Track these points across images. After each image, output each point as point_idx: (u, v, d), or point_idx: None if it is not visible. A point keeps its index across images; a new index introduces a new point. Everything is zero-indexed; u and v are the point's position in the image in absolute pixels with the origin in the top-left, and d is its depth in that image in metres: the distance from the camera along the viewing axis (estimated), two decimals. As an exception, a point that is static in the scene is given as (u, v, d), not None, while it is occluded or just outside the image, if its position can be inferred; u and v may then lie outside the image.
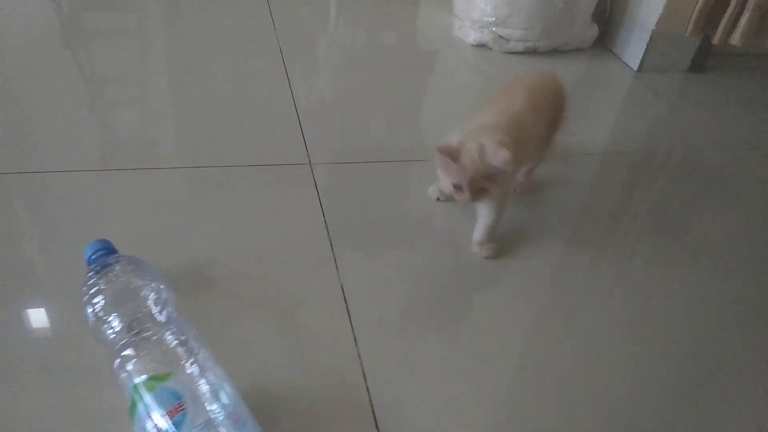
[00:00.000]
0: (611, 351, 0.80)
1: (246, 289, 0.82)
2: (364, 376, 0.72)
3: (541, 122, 0.94)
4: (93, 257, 0.73)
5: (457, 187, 0.83)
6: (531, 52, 1.62)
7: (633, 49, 1.62)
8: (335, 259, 0.88)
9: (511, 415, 0.71)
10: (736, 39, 1.47)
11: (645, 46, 1.58)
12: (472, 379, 0.74)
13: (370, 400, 0.69)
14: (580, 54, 1.68)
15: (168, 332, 0.64)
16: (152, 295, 0.68)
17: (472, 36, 1.62)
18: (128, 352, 0.62)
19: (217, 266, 0.85)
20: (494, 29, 1.59)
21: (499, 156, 0.78)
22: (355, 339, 0.76)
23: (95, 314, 0.66)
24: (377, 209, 1.00)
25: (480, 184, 0.82)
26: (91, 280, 0.69)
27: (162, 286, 0.70)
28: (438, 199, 1.02)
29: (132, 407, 0.58)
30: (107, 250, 0.74)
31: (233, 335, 0.75)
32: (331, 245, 0.90)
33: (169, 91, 1.28)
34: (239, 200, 0.98)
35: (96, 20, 1.56)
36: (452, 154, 0.81)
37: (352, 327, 0.78)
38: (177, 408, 0.57)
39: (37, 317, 0.76)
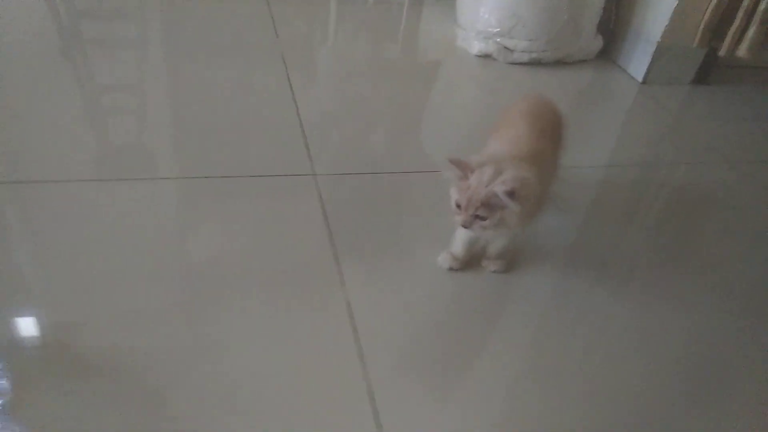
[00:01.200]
0: (613, 366, 0.79)
1: (248, 303, 0.81)
2: (371, 396, 0.70)
3: (554, 150, 0.91)
4: None
5: (459, 207, 0.79)
6: (535, 63, 1.61)
7: (638, 61, 1.61)
8: (341, 274, 0.86)
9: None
10: (742, 51, 1.46)
11: (650, 58, 1.57)
12: (477, 393, 0.72)
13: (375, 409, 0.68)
14: (584, 65, 1.67)
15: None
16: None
17: (476, 47, 1.61)
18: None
19: (215, 277, 0.83)
20: (499, 40, 1.58)
21: (504, 187, 0.73)
22: (362, 357, 0.75)
23: None
24: (381, 220, 0.99)
25: (479, 212, 0.77)
26: None
27: None
28: (450, 268, 0.91)
29: None
30: None
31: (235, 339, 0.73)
32: (336, 258, 0.89)
33: (169, 100, 1.27)
34: (240, 210, 0.97)
35: (95, 29, 1.55)
36: (463, 169, 0.77)
37: (359, 345, 0.76)
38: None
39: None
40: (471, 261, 0.92)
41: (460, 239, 0.89)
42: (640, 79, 1.60)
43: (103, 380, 0.68)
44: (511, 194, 0.74)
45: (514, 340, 0.81)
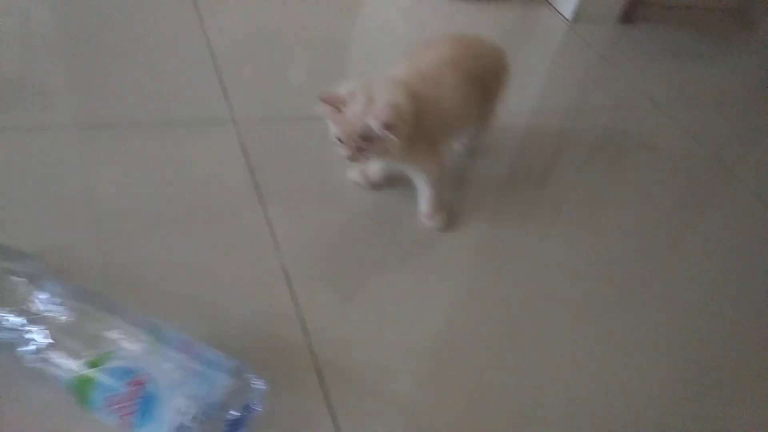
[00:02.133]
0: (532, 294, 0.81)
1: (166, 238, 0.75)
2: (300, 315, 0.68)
3: (470, 86, 0.84)
4: None
5: (340, 141, 0.75)
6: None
7: (567, -2, 1.58)
8: (266, 218, 0.82)
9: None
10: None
11: (578, -6, 1.54)
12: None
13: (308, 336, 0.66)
14: (511, 2, 1.62)
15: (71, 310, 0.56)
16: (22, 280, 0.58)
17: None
18: (42, 340, 0.54)
19: (120, 234, 0.76)
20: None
21: (378, 119, 0.71)
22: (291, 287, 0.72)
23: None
24: (311, 169, 0.94)
25: (359, 144, 0.74)
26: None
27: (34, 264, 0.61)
28: (356, 183, 0.90)
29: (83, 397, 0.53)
30: None
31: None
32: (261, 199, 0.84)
33: (59, 27, 1.11)
34: (147, 162, 0.88)
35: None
36: (335, 104, 0.73)
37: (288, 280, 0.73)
38: (139, 381, 0.52)
39: None
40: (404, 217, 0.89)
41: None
42: (569, 16, 1.57)
43: None
44: (387, 126, 0.71)
45: (444, 288, 0.81)
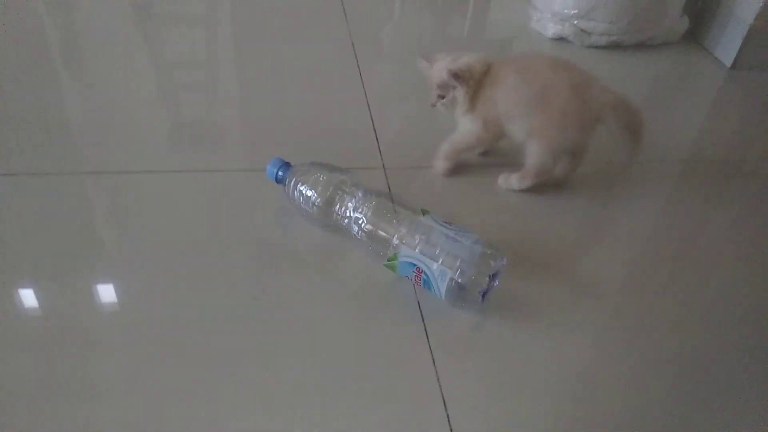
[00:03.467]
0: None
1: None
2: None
3: (573, 96, 0.93)
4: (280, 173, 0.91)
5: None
6: (614, 46, 1.54)
7: (727, 45, 1.51)
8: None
9: None
10: None
11: (741, 41, 1.47)
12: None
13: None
14: (667, 48, 1.58)
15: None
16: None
17: (551, 29, 1.56)
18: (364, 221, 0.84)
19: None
20: (576, 22, 1.52)
21: (449, 70, 0.94)
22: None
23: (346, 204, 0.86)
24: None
25: (437, 91, 0.98)
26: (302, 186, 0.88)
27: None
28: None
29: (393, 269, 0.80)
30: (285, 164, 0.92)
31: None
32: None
33: (235, 81, 1.29)
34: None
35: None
36: (429, 60, 1.00)
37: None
38: (420, 270, 0.78)
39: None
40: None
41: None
42: (728, 64, 1.50)
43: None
44: (454, 75, 0.94)
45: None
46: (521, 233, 0.96)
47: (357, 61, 1.38)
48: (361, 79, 1.32)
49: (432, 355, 0.74)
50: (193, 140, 1.12)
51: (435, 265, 0.75)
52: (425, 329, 0.78)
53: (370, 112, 1.22)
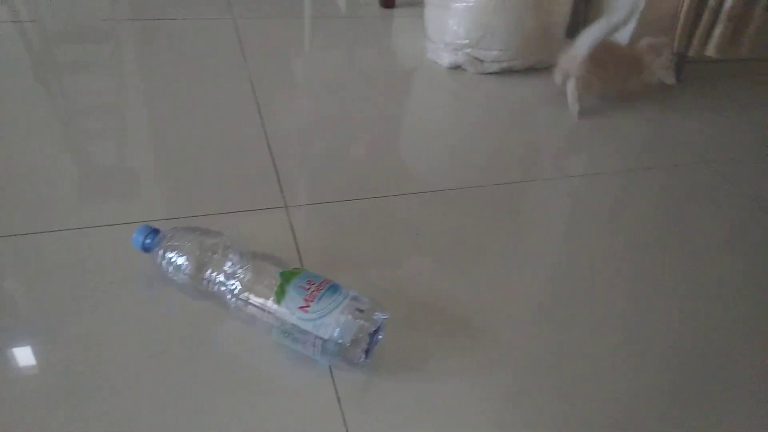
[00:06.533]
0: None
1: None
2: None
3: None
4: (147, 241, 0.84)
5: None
6: (507, 72, 1.61)
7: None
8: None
9: None
10: (710, 50, 1.47)
11: (620, 60, 1.57)
12: None
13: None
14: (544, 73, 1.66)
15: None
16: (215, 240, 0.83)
17: (446, 59, 1.61)
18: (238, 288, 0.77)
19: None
20: (468, 51, 1.58)
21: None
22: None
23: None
24: (363, 246, 0.98)
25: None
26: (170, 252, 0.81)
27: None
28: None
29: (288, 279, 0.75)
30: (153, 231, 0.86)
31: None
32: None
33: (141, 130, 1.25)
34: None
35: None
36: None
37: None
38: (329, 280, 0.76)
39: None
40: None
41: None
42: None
43: None
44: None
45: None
46: (409, 277, 0.95)
47: (256, 100, 1.36)
48: (261, 118, 1.30)
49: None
50: (99, 193, 1.06)
51: (310, 329, 0.71)
52: (337, 398, 0.74)
53: (270, 151, 1.20)
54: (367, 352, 0.74)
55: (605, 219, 1.13)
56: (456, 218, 1.08)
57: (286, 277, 0.75)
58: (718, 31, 1.44)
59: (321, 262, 0.94)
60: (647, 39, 1.45)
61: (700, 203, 1.19)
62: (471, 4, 1.52)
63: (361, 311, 0.73)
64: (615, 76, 1.43)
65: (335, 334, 0.70)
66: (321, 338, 0.71)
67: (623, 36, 1.55)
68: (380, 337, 0.76)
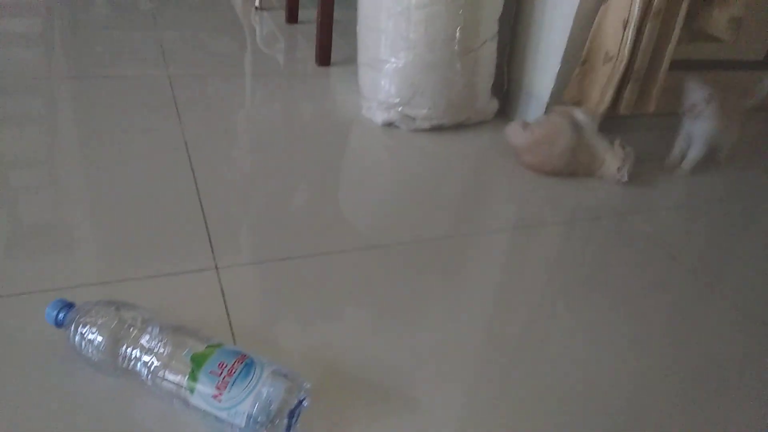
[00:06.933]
0: None
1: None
2: None
3: None
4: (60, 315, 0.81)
5: None
6: (437, 128, 1.67)
7: (532, 120, 1.70)
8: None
9: None
10: (621, 109, 1.59)
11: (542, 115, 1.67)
12: None
13: None
14: (483, 126, 1.75)
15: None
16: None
17: (380, 116, 1.66)
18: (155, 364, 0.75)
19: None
20: (400, 109, 1.64)
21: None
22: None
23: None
24: (296, 307, 0.97)
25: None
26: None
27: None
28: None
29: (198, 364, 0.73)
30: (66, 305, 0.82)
31: None
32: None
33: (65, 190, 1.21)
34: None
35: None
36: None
37: None
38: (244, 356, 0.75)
39: None
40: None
41: None
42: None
43: None
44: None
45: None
46: (342, 340, 0.95)
47: (189, 156, 1.36)
48: (193, 174, 1.30)
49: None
50: (17, 255, 1.02)
51: (225, 417, 0.71)
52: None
53: (202, 209, 1.20)
54: (289, 427, 0.72)
55: (538, 271, 1.18)
56: (392, 275, 1.10)
57: (197, 361, 0.73)
58: (626, 92, 1.56)
59: (251, 326, 0.94)
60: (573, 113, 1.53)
61: (620, 253, 1.27)
62: (400, 66, 1.59)
63: (280, 388, 0.72)
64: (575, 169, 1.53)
65: (251, 422, 0.69)
66: (238, 426, 0.70)
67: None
68: (305, 405, 0.75)
